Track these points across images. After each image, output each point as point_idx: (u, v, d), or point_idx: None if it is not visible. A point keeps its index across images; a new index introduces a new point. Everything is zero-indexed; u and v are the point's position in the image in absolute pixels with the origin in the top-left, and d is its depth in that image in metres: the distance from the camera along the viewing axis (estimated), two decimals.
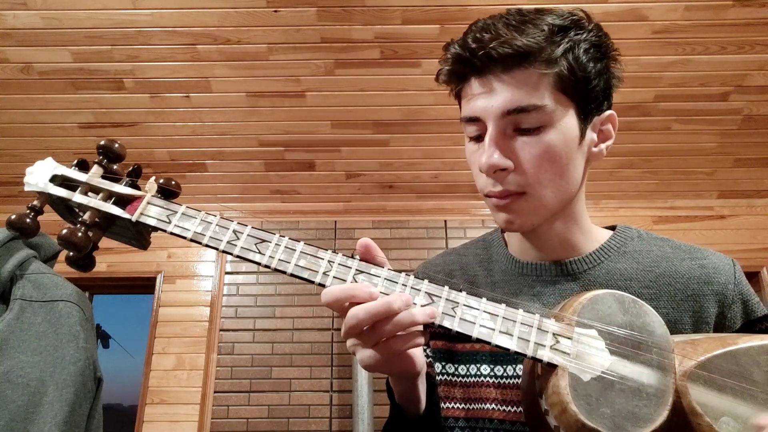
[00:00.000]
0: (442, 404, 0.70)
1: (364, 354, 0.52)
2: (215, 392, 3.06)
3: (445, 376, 0.72)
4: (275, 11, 2.57)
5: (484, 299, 0.54)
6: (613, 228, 0.74)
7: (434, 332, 0.74)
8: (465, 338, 0.71)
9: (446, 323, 0.53)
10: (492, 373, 0.69)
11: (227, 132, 3.10)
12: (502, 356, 0.69)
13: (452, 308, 0.54)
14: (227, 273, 3.30)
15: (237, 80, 2.85)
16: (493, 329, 0.53)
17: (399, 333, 0.51)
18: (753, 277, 3.23)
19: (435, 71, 0.69)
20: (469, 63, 0.63)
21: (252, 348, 3.14)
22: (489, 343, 0.52)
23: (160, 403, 3.05)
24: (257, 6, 2.55)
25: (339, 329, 3.19)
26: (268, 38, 2.67)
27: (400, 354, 0.53)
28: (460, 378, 0.71)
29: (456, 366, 0.71)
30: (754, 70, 2.78)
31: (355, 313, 0.50)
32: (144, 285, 3.34)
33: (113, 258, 3.30)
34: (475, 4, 2.53)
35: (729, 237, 3.36)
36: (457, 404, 0.70)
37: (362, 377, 2.91)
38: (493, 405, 0.67)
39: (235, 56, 2.74)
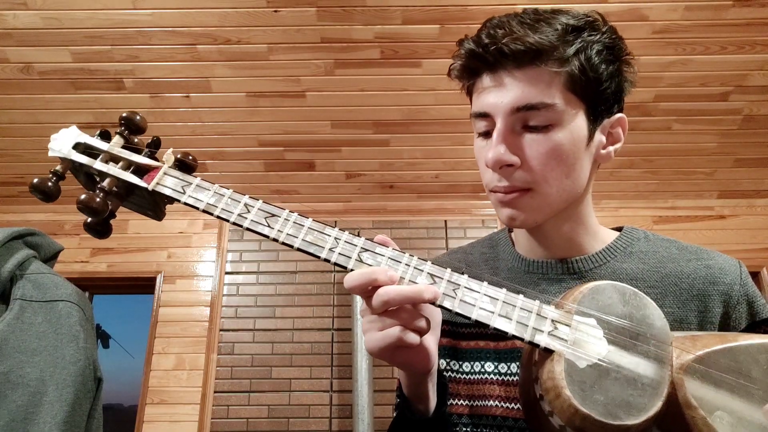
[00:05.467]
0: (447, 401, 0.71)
1: (376, 336, 0.53)
2: (215, 392, 3.06)
3: (450, 373, 0.72)
4: (275, 11, 2.57)
5: (485, 283, 0.55)
6: (619, 229, 0.75)
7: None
8: (468, 336, 0.73)
9: (446, 304, 0.53)
10: (496, 371, 0.69)
11: (227, 132, 3.10)
12: (506, 354, 0.69)
13: (453, 290, 0.54)
14: (227, 273, 3.30)
15: (237, 80, 2.85)
16: (493, 312, 0.53)
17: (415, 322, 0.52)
18: (753, 277, 3.23)
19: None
20: (481, 58, 0.63)
21: (252, 348, 3.14)
22: (487, 326, 0.53)
23: (160, 403, 3.05)
24: (257, 6, 2.55)
25: (339, 329, 3.21)
26: (268, 38, 2.67)
27: (409, 345, 0.53)
28: (465, 375, 0.71)
29: (460, 363, 0.72)
30: (754, 70, 2.78)
31: (387, 290, 0.51)
32: (144, 285, 3.33)
33: (113, 258, 3.30)
34: (475, 3, 2.53)
35: (729, 237, 3.36)
36: (461, 401, 0.70)
37: (362, 377, 2.90)
38: (497, 402, 0.67)
39: (235, 56, 2.74)
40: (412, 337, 0.52)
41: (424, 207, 3.46)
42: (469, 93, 0.69)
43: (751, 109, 2.96)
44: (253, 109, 2.98)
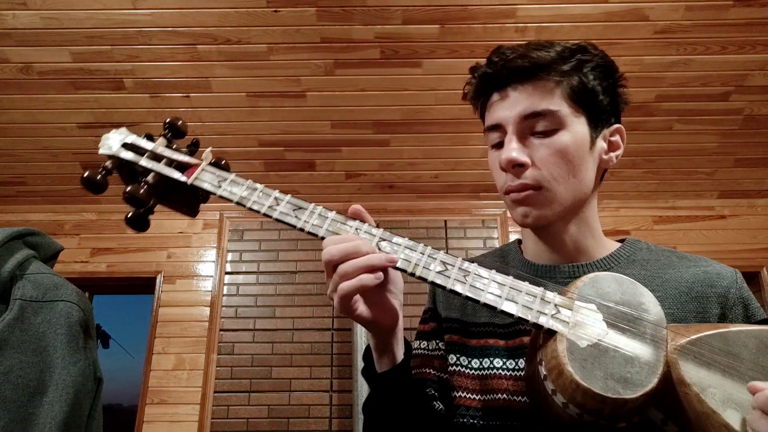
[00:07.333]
0: (456, 393, 0.75)
1: (336, 294, 0.59)
2: (215, 392, 3.06)
3: (459, 368, 0.76)
4: (275, 11, 2.57)
5: (493, 270, 0.59)
6: (622, 241, 0.80)
7: (449, 327, 0.79)
8: (478, 335, 0.76)
9: (458, 288, 0.58)
10: (504, 366, 0.72)
11: (227, 132, 3.10)
12: (514, 350, 0.72)
13: (464, 276, 0.58)
14: (227, 273, 3.30)
15: (237, 80, 2.85)
16: (500, 296, 0.57)
17: (361, 275, 0.59)
18: (753, 277, 3.23)
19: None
20: (492, 78, 0.72)
21: (252, 348, 3.14)
22: (495, 309, 0.57)
23: (160, 403, 3.04)
24: (257, 6, 2.55)
25: (339, 329, 3.21)
26: (268, 38, 2.67)
27: (358, 300, 0.61)
28: (474, 371, 0.75)
29: (469, 359, 0.76)
30: (755, 70, 2.78)
31: (329, 249, 0.59)
32: (144, 285, 3.33)
33: (113, 258, 3.30)
34: (475, 3, 2.53)
35: (729, 237, 3.36)
36: (471, 394, 0.74)
37: (362, 377, 2.90)
38: (505, 395, 0.71)
39: (235, 56, 2.74)
40: (354, 284, 0.58)
41: (424, 207, 3.46)
42: (482, 113, 0.77)
43: (752, 109, 2.95)
44: (253, 109, 2.98)
